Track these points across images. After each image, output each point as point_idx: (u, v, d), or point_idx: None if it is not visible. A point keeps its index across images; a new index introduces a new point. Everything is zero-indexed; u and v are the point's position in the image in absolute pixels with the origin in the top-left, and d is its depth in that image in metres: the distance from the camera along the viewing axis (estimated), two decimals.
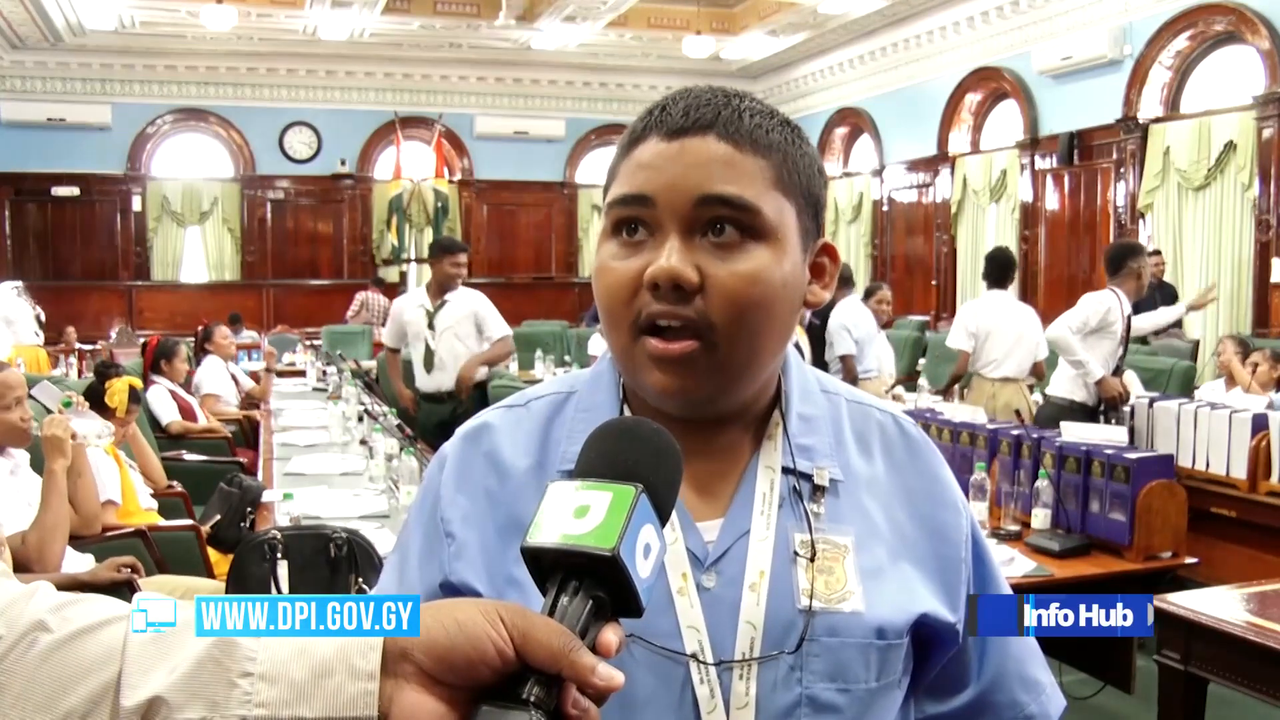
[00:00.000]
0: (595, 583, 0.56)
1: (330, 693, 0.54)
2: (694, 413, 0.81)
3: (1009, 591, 0.90)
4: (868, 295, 6.31)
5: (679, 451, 0.64)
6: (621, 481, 0.59)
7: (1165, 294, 7.95)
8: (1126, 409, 4.33)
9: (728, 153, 0.77)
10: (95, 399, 3.79)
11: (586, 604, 0.56)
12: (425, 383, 5.00)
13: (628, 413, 0.85)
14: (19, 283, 9.36)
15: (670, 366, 0.77)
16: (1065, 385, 4.87)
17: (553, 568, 0.57)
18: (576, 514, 0.57)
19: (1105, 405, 4.69)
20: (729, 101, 0.79)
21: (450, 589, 0.82)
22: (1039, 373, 5.49)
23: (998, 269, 5.52)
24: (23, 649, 0.56)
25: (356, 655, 0.55)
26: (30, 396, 3.39)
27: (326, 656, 0.55)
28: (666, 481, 0.62)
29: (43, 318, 9.22)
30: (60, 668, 0.55)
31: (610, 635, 0.56)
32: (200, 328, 6.79)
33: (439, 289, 4.98)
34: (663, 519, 0.60)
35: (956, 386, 5.64)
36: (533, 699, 0.53)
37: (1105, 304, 4.72)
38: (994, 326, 5.37)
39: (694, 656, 0.77)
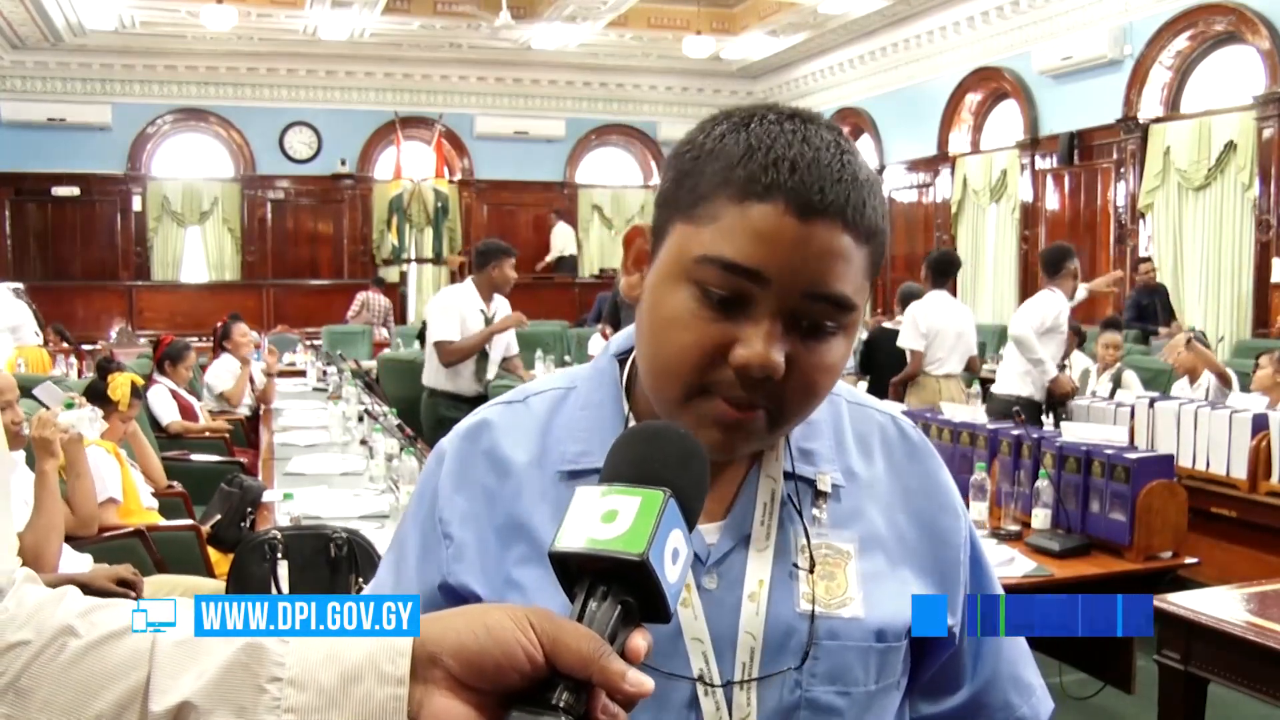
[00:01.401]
0: (624, 588, 0.56)
1: (360, 698, 0.54)
2: None
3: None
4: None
5: (705, 455, 0.64)
6: (649, 486, 0.58)
7: (1160, 297, 7.99)
8: (1083, 402, 4.58)
9: (849, 247, 0.73)
10: (98, 393, 3.79)
11: (615, 609, 0.56)
12: (466, 386, 4.91)
13: (628, 409, 0.85)
14: (19, 284, 9.31)
15: (731, 430, 0.76)
16: (1013, 382, 5.07)
17: (580, 573, 0.57)
18: (604, 519, 0.57)
19: (1054, 401, 4.91)
20: (855, 177, 0.73)
21: (449, 590, 0.81)
22: (973, 367, 5.73)
23: (943, 269, 5.72)
24: (51, 654, 0.56)
25: (385, 660, 0.55)
26: (32, 397, 3.40)
27: (356, 661, 0.55)
28: (694, 486, 0.61)
29: (40, 318, 9.18)
30: (88, 672, 0.55)
31: (639, 640, 0.55)
32: (218, 325, 6.70)
33: (493, 292, 4.96)
34: (690, 523, 0.60)
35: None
36: (562, 704, 0.53)
37: (1057, 305, 5.00)
38: (942, 326, 5.51)
39: (700, 679, 0.77)
